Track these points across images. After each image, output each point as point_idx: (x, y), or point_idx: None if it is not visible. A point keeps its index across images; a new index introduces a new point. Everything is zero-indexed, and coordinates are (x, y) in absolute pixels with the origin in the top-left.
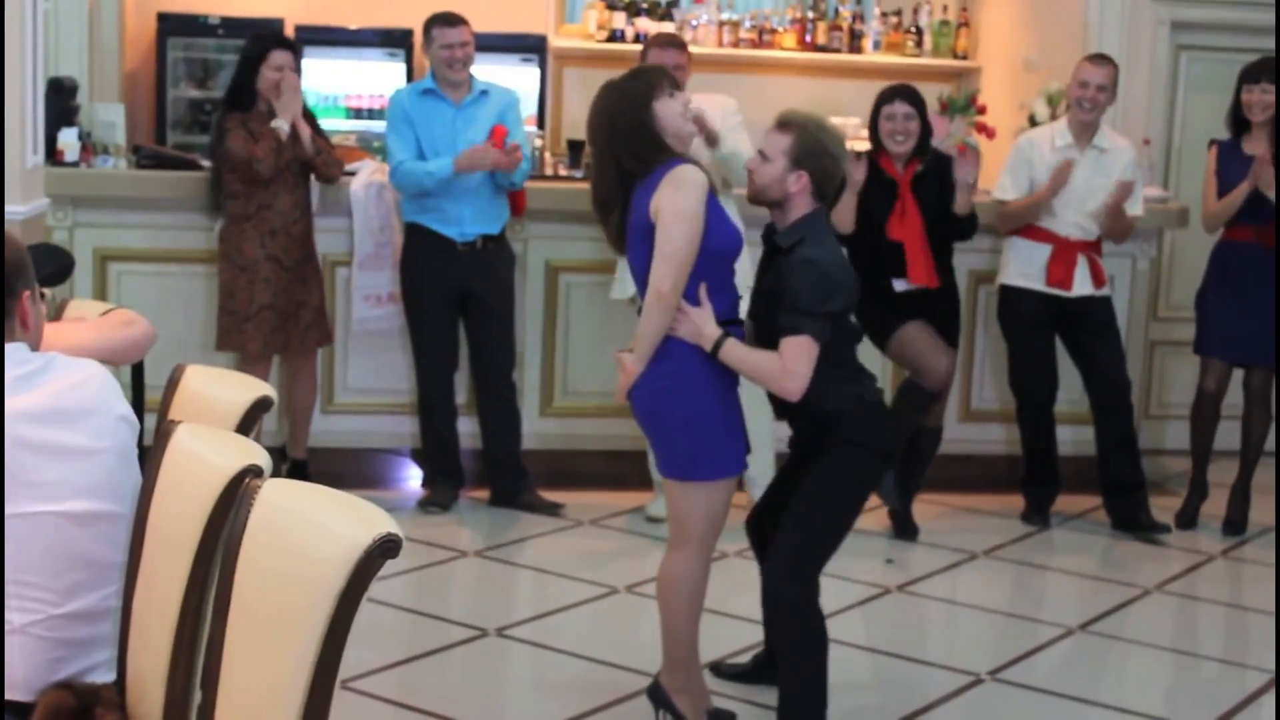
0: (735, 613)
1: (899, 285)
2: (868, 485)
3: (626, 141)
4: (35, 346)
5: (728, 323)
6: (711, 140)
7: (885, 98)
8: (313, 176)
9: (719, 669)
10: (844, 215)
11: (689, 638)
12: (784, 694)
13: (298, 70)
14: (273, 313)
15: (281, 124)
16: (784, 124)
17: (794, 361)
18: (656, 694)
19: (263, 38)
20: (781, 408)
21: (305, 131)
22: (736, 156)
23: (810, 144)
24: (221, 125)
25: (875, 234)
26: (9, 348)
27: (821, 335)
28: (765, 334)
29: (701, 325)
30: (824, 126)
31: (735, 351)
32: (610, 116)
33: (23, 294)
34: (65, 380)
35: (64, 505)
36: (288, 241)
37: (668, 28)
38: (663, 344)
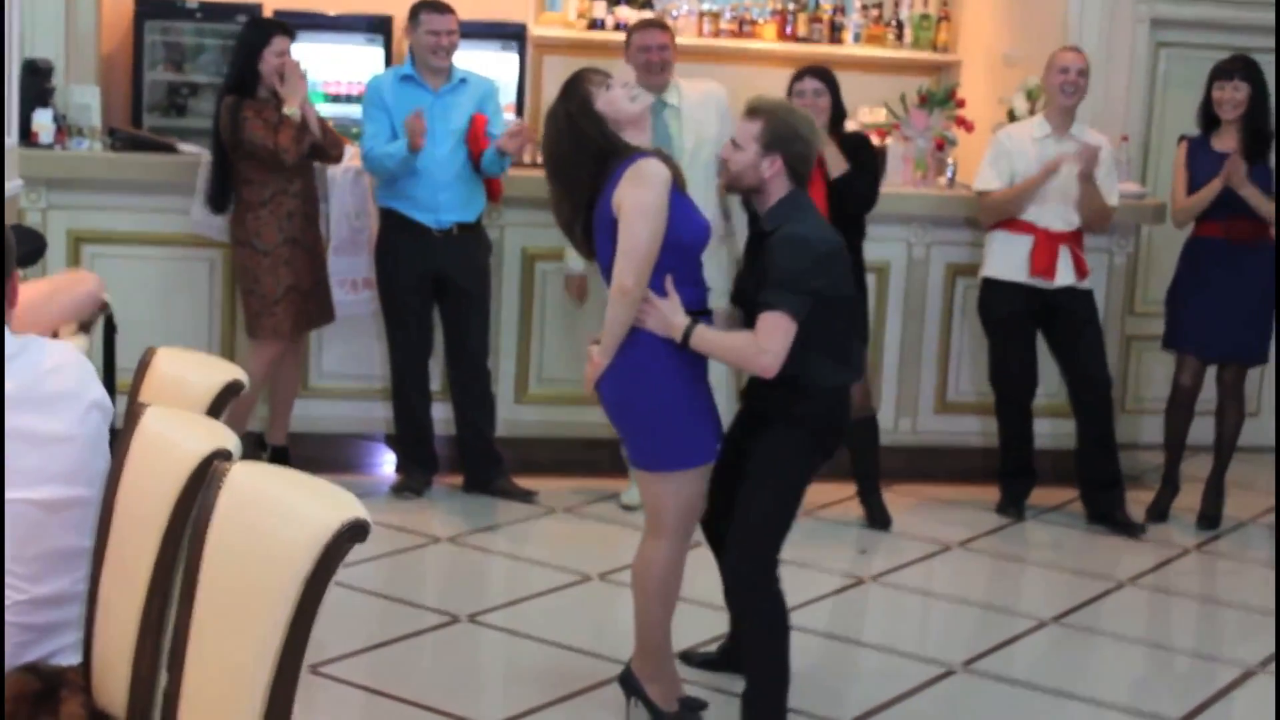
0: (707, 601)
1: None
2: (809, 463)
3: (585, 163)
4: (10, 328)
5: (696, 313)
6: None
7: (796, 75)
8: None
9: (689, 657)
10: None
11: (662, 626)
12: (749, 675)
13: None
14: (297, 294)
15: (295, 111)
16: (753, 111)
17: (769, 338)
18: (628, 682)
19: (264, 22)
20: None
21: (313, 115)
22: None
23: (780, 128)
24: (237, 114)
25: None
26: None
27: (799, 313)
28: (751, 317)
29: (669, 316)
30: (793, 110)
31: (706, 337)
32: (558, 157)
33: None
34: (42, 365)
35: (36, 492)
36: (303, 223)
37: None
38: (630, 334)
